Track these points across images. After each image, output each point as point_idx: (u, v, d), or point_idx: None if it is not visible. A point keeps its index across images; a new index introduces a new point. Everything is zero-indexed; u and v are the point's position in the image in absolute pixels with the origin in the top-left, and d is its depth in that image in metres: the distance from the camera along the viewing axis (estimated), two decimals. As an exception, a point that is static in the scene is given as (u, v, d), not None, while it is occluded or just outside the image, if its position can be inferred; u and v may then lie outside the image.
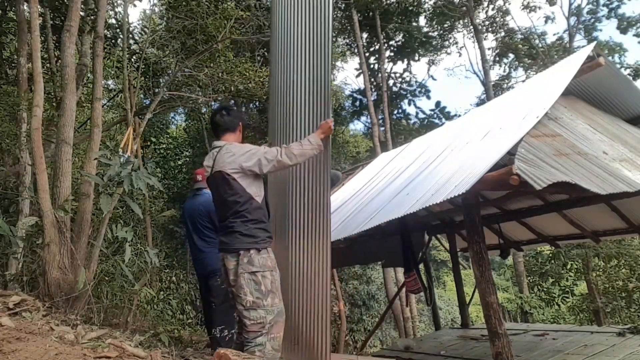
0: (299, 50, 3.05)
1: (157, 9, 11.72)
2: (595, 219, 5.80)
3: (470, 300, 6.72)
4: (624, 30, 15.22)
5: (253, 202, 2.64)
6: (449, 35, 18.02)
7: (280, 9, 3.20)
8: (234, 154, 2.65)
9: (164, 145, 15.00)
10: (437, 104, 17.52)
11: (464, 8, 15.28)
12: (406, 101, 17.86)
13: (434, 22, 17.41)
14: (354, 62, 30.55)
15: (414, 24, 16.83)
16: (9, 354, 2.28)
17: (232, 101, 14.01)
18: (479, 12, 16.72)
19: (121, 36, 8.50)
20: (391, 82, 17.71)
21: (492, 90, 15.48)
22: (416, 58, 17.56)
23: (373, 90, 16.50)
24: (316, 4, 2.96)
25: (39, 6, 5.34)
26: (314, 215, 2.93)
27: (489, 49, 17.82)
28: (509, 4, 16.48)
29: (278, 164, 2.66)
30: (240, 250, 2.58)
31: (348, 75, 55.48)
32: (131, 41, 9.87)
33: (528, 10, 16.51)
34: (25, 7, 5.85)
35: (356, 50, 15.49)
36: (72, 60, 4.76)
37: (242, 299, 2.54)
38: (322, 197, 2.91)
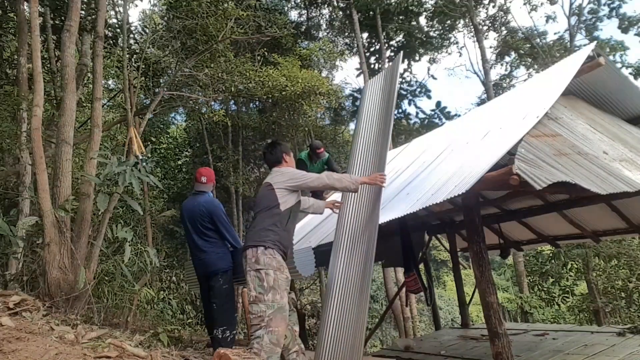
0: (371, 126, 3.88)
1: (157, 9, 11.74)
2: (595, 219, 5.79)
3: (470, 300, 6.72)
4: (625, 30, 15.18)
5: (275, 209, 2.93)
6: (450, 35, 18.01)
7: (367, 95, 4.29)
8: (283, 174, 3.06)
9: (164, 145, 15.00)
10: (438, 103, 17.51)
11: (465, 8, 15.26)
12: (406, 101, 17.88)
13: (435, 22, 17.39)
14: (354, 62, 30.57)
15: (415, 23, 16.82)
16: (9, 353, 2.29)
17: (232, 101, 14.03)
18: (479, 12, 16.71)
19: (121, 36, 8.50)
20: (391, 81, 17.66)
21: (493, 90, 15.47)
22: (416, 58, 17.55)
23: (373, 90, 16.43)
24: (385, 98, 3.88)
25: (39, 6, 5.34)
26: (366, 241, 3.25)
27: (489, 47, 17.83)
28: (510, 2, 16.44)
29: (317, 181, 3.06)
30: (247, 250, 2.83)
31: (348, 74, 55.47)
32: (131, 41, 9.87)
33: (529, 9, 16.51)
34: (25, 7, 5.85)
35: (356, 50, 15.49)
36: (72, 60, 4.76)
37: (248, 295, 2.76)
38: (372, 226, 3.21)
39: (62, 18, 7.38)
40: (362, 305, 2.95)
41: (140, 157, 4.70)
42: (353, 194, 3.49)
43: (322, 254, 4.24)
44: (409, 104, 17.90)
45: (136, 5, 38.49)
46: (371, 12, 15.06)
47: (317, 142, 6.91)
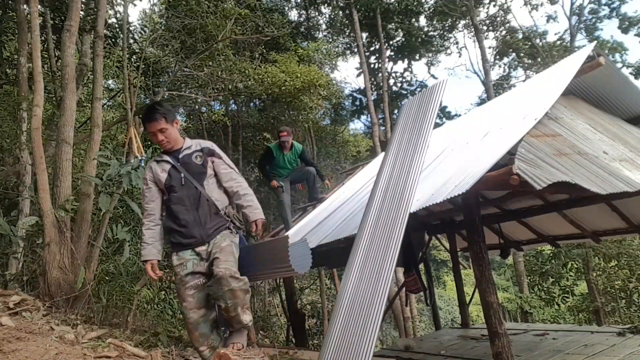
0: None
1: (157, 8, 11.73)
2: (595, 219, 5.79)
3: (470, 300, 6.71)
4: (625, 30, 15.20)
5: None
6: (450, 35, 18.02)
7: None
8: None
9: (164, 145, 14.98)
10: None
11: (465, 7, 15.26)
12: (406, 100, 17.86)
13: (435, 22, 17.40)
14: (354, 62, 30.58)
15: (415, 23, 16.82)
16: (9, 353, 2.29)
17: (232, 100, 14.04)
18: (479, 11, 16.71)
19: (121, 36, 8.50)
20: (392, 81, 17.70)
21: (493, 90, 15.47)
22: (417, 57, 17.55)
23: (373, 89, 16.48)
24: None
25: (39, 6, 5.34)
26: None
27: (489, 47, 17.83)
28: (511, 1, 16.52)
29: None
30: None
31: (348, 74, 55.41)
32: (131, 40, 9.87)
33: (529, 8, 16.52)
34: (25, 7, 5.84)
35: (356, 50, 15.49)
36: (72, 59, 4.76)
37: None
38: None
39: (62, 18, 7.39)
40: (374, 313, 2.77)
41: (140, 158, 4.71)
42: (382, 190, 3.15)
43: (322, 254, 4.23)
44: (409, 103, 17.88)
45: (135, 5, 38.48)
46: (371, 12, 15.07)
47: (283, 127, 6.24)
